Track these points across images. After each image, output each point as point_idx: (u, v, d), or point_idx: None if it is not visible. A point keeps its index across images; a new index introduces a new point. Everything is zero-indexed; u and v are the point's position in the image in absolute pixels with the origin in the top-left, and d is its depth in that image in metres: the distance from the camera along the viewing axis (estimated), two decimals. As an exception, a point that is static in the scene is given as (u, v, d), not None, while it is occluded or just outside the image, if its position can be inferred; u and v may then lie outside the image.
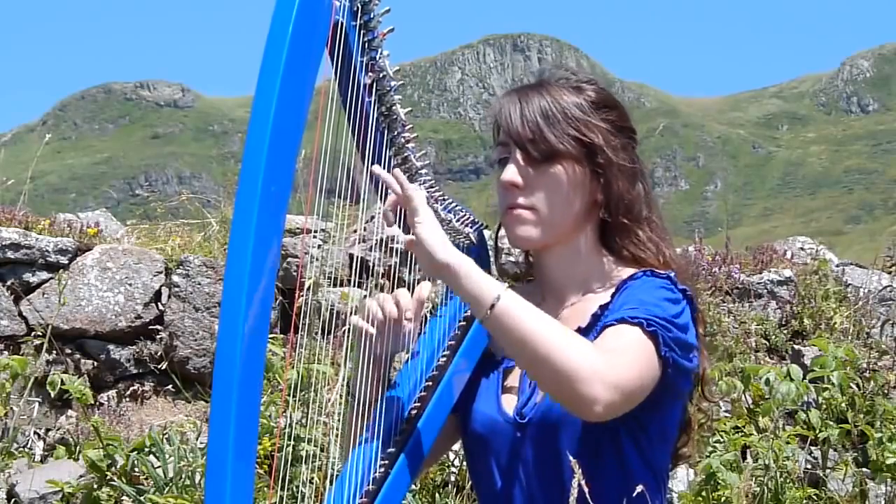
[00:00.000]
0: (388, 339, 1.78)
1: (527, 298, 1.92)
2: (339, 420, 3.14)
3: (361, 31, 1.59)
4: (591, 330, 1.77)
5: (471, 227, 1.95)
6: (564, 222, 1.81)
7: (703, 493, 4.06)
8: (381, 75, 1.63)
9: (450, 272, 1.65)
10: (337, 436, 2.69)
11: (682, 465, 1.97)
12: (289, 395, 3.55)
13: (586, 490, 1.50)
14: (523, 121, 1.79)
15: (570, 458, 1.58)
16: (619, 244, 1.83)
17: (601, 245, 1.84)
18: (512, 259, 6.31)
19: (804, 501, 4.37)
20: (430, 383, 1.81)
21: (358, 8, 1.56)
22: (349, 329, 1.77)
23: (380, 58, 1.62)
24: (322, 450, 3.25)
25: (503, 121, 1.81)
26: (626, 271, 1.81)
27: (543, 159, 1.78)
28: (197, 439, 4.47)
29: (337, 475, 1.71)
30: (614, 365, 1.61)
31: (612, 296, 1.78)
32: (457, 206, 1.90)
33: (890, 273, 6.47)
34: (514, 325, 1.63)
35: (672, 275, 1.78)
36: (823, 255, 6.63)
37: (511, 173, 1.80)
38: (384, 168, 1.71)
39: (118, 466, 4.20)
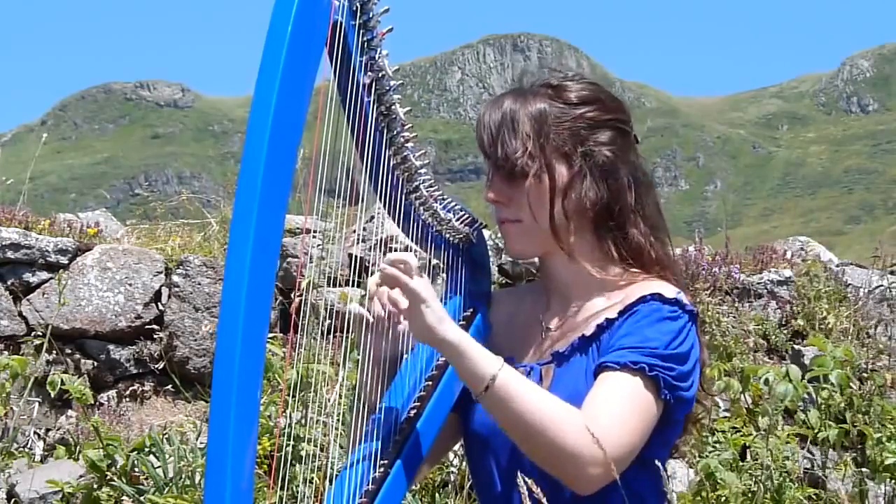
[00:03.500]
0: (390, 336, 1.78)
1: (531, 298, 1.93)
2: (338, 420, 3.14)
3: (360, 31, 1.59)
4: (594, 340, 1.77)
5: (470, 227, 1.95)
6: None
7: (703, 493, 4.06)
8: (380, 75, 1.63)
9: (449, 349, 1.67)
10: (337, 436, 2.69)
11: (677, 458, 1.96)
12: (289, 395, 3.55)
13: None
14: (491, 137, 1.79)
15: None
16: (616, 239, 1.82)
17: (604, 236, 1.82)
18: (512, 259, 6.30)
19: (804, 502, 4.37)
20: (430, 383, 1.81)
21: (357, 7, 1.56)
22: (349, 323, 1.77)
23: (379, 57, 1.62)
24: (322, 450, 3.25)
25: (477, 137, 1.83)
26: (632, 282, 1.79)
27: (511, 173, 1.78)
28: (197, 439, 4.47)
29: (337, 475, 1.71)
30: (611, 440, 1.60)
31: (620, 313, 1.76)
32: (456, 205, 1.90)
33: (892, 272, 6.48)
34: (508, 406, 1.64)
35: (680, 297, 1.76)
36: (819, 256, 6.64)
37: (490, 191, 1.82)
38: (383, 167, 1.71)
39: (118, 466, 4.20)
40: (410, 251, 1.85)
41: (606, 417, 1.62)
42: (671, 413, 1.72)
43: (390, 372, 1.82)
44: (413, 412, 1.77)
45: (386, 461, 1.69)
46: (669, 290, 1.76)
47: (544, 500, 1.54)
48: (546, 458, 1.63)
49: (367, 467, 1.68)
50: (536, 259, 1.94)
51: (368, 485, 1.67)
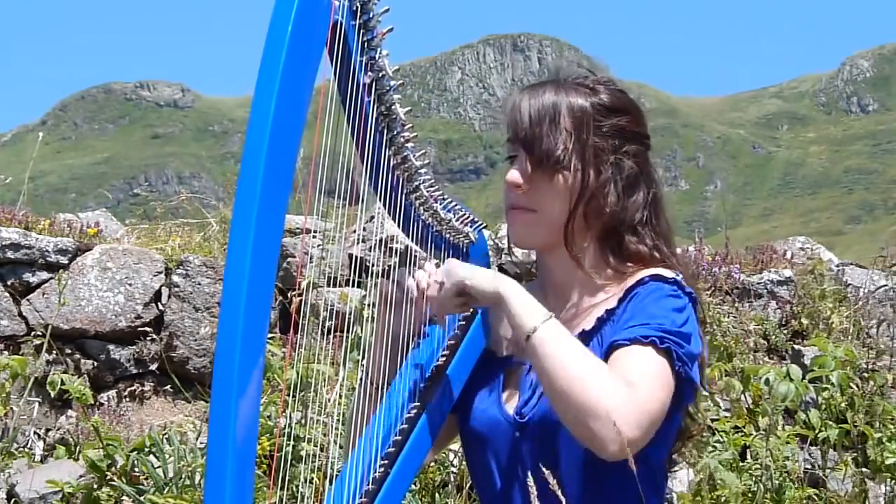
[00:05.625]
0: (407, 316, 1.79)
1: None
2: (339, 420, 3.14)
3: (360, 31, 1.58)
4: (595, 333, 1.77)
5: (471, 226, 1.95)
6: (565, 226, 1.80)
7: (703, 493, 4.06)
8: (380, 74, 1.63)
9: (501, 299, 1.71)
10: (337, 436, 2.69)
11: (677, 469, 1.96)
12: (288, 395, 3.56)
13: (559, 492, 1.50)
14: (530, 123, 1.78)
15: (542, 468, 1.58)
16: (619, 249, 1.82)
17: (605, 246, 1.83)
18: (512, 259, 6.31)
19: (804, 501, 4.38)
20: (431, 382, 1.81)
21: (357, 7, 1.56)
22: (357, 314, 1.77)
23: (379, 57, 1.62)
24: (322, 450, 3.25)
25: (511, 119, 1.81)
26: (632, 274, 1.79)
27: (546, 164, 1.77)
28: (197, 439, 4.47)
29: (336, 475, 1.70)
30: (638, 403, 1.59)
31: (620, 301, 1.76)
32: (456, 205, 1.90)
33: (894, 273, 6.48)
34: (547, 357, 1.64)
35: (679, 277, 1.77)
36: (820, 256, 6.64)
37: (514, 174, 1.80)
38: (383, 167, 1.71)
39: (118, 466, 4.20)
40: (409, 250, 1.85)
41: (632, 382, 1.61)
42: (680, 392, 1.71)
43: (401, 353, 1.83)
44: (413, 412, 1.77)
45: (386, 461, 1.69)
46: (668, 273, 1.77)
47: (559, 493, 1.53)
48: (580, 416, 1.60)
49: (366, 467, 1.68)
50: (534, 256, 1.93)
51: (368, 485, 1.67)
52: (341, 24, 1.53)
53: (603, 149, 1.78)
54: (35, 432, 5.20)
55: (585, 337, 1.78)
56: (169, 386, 5.38)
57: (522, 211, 1.81)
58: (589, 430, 1.60)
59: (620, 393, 1.59)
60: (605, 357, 1.70)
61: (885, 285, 6.28)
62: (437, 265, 1.80)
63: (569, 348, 1.64)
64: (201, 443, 4.37)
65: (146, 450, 4.20)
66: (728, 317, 5.70)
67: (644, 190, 1.81)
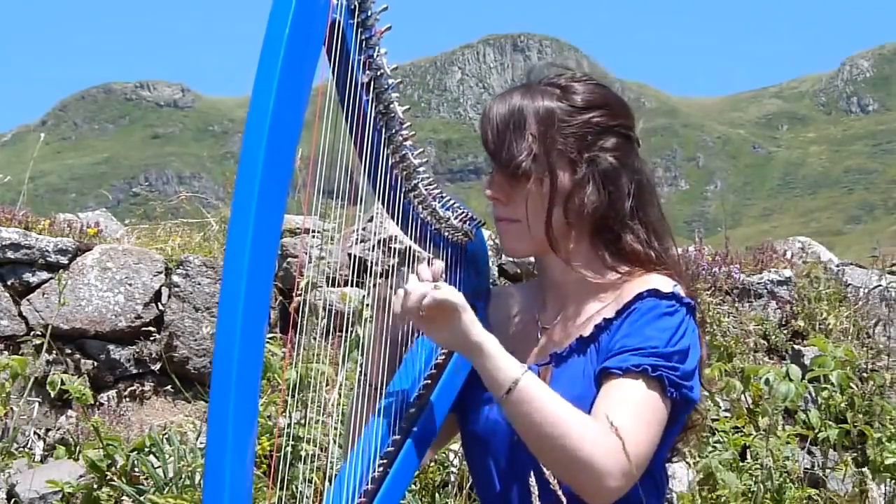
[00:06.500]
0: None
1: (529, 297, 1.92)
2: (339, 420, 3.14)
3: (359, 29, 1.58)
4: (593, 341, 1.76)
5: (469, 224, 1.95)
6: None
7: (703, 494, 4.06)
8: (378, 73, 1.63)
9: (476, 351, 1.67)
10: (337, 436, 2.69)
11: (676, 459, 1.95)
12: (289, 395, 3.55)
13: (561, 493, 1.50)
14: (497, 132, 1.77)
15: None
16: (615, 247, 1.81)
17: (598, 243, 1.82)
18: (512, 259, 6.30)
19: (804, 501, 4.38)
20: (430, 381, 1.81)
21: (355, 6, 1.56)
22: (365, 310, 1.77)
23: (377, 56, 1.61)
24: (322, 450, 3.25)
25: (482, 130, 1.80)
26: (628, 280, 1.79)
27: (515, 172, 1.76)
28: (197, 439, 4.46)
29: (336, 473, 1.70)
30: (622, 452, 1.59)
31: (618, 313, 1.75)
32: (455, 203, 1.89)
33: (891, 272, 6.48)
34: (528, 412, 1.63)
35: (676, 290, 1.74)
36: (818, 256, 6.64)
37: (491, 188, 1.80)
38: (382, 165, 1.70)
39: (118, 466, 4.20)
40: (409, 250, 1.85)
41: (620, 428, 1.60)
42: (677, 413, 1.71)
43: (399, 354, 1.83)
44: (412, 411, 1.77)
45: (385, 460, 1.69)
46: (665, 285, 1.75)
47: (560, 493, 1.53)
48: (564, 468, 1.61)
49: (366, 466, 1.68)
50: (533, 258, 1.93)
51: (368, 484, 1.66)
52: (339, 22, 1.53)
53: (575, 148, 1.76)
54: (35, 432, 5.20)
55: (583, 343, 1.77)
56: (169, 386, 5.37)
57: (506, 222, 1.81)
58: (574, 481, 1.61)
59: (605, 444, 1.59)
60: (598, 374, 1.70)
61: (879, 285, 6.28)
62: (429, 262, 1.79)
63: (552, 400, 1.64)
64: (201, 443, 4.37)
65: (146, 450, 4.20)
66: (728, 317, 5.70)
67: (626, 181, 1.79)
